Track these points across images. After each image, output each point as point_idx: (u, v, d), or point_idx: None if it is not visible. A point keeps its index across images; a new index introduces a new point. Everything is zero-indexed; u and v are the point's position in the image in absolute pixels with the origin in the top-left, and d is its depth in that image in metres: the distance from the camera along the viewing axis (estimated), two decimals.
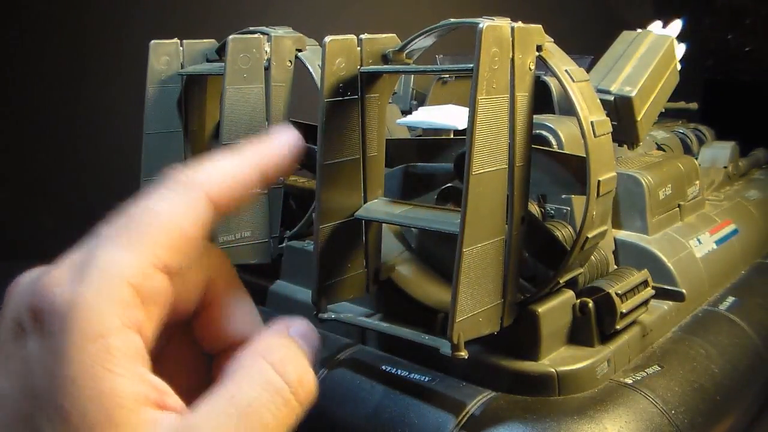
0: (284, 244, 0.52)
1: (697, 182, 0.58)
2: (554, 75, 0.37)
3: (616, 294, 0.41)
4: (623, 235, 0.50)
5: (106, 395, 0.20)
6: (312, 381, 0.24)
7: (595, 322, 0.41)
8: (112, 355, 0.20)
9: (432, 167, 0.46)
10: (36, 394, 0.20)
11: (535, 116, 0.37)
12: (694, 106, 0.82)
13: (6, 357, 0.21)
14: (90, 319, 0.20)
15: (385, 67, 0.41)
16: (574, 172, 0.39)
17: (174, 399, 0.22)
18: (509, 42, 0.35)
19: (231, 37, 0.48)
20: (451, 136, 0.48)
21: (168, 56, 0.54)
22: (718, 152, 0.73)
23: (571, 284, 0.42)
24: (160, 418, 0.21)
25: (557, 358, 0.40)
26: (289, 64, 0.50)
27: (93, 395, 0.20)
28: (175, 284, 0.23)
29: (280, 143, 0.26)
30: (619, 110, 0.51)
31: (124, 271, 0.21)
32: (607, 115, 0.38)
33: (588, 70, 0.49)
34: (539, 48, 0.37)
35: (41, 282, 0.21)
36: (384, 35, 0.41)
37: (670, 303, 0.47)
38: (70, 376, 0.20)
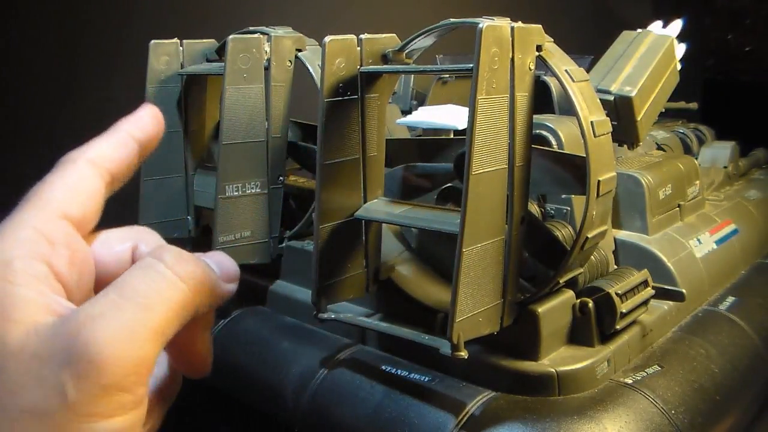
0: (284, 244, 0.52)
1: (697, 182, 0.58)
2: (554, 75, 0.37)
3: (616, 294, 0.41)
4: (623, 235, 0.50)
5: (5, 298, 0.23)
6: (198, 266, 0.26)
7: (595, 322, 0.41)
8: (15, 272, 0.23)
9: (432, 167, 0.46)
10: None
11: (535, 116, 0.37)
12: (694, 106, 0.82)
13: None
14: None
15: (385, 67, 0.41)
16: (574, 172, 0.39)
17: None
18: (509, 42, 0.34)
19: (231, 37, 0.48)
20: (451, 136, 0.48)
21: (168, 56, 0.54)
22: (718, 152, 0.73)
23: (571, 284, 0.42)
24: (51, 320, 0.23)
25: (557, 358, 0.40)
26: (289, 64, 0.50)
27: None
28: (104, 252, 0.28)
29: (143, 113, 0.31)
30: (619, 110, 0.51)
31: (25, 220, 0.25)
32: (607, 115, 0.38)
33: (588, 70, 0.49)
34: (539, 48, 0.37)
35: None
36: (384, 35, 0.41)
37: (670, 303, 0.47)
38: None
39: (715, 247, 0.55)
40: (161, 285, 0.24)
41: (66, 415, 0.22)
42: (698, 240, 0.54)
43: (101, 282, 0.27)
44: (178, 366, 0.28)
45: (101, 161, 0.29)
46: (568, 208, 0.47)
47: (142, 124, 0.31)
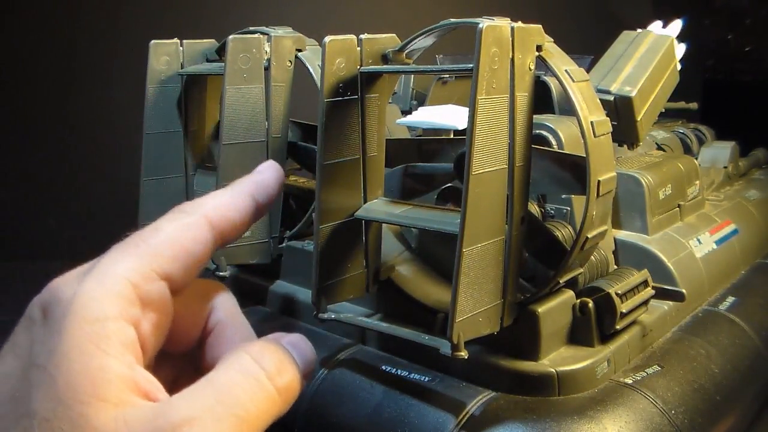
0: (284, 244, 0.52)
1: (697, 182, 0.58)
2: (554, 75, 0.37)
3: (616, 294, 0.41)
4: (623, 235, 0.50)
5: (95, 370, 0.21)
6: (294, 376, 0.25)
7: (595, 322, 0.41)
8: (107, 337, 0.22)
9: (432, 167, 0.46)
10: (31, 371, 0.21)
11: (535, 116, 0.37)
12: (694, 106, 0.82)
13: (14, 344, 0.23)
14: (89, 305, 0.22)
15: (385, 67, 0.41)
16: (574, 172, 0.39)
17: (162, 394, 0.23)
18: (509, 42, 0.34)
19: (231, 37, 0.48)
20: (451, 136, 0.48)
21: (168, 56, 0.54)
22: (718, 152, 0.73)
23: (571, 284, 0.42)
24: (142, 403, 0.22)
25: (557, 358, 0.40)
26: (289, 64, 0.50)
27: (82, 369, 0.21)
28: (181, 309, 0.26)
29: (269, 175, 0.29)
30: (619, 110, 0.51)
31: (125, 271, 0.23)
32: (607, 115, 0.38)
33: (588, 70, 0.49)
34: (539, 48, 0.37)
35: (51, 283, 0.23)
36: (384, 35, 0.41)
37: (670, 303, 0.47)
38: (64, 351, 0.21)
39: (715, 247, 0.55)
40: (260, 397, 0.24)
41: None
42: (698, 240, 0.54)
43: (171, 338, 0.26)
44: None
45: (218, 222, 0.26)
46: (568, 208, 0.47)
47: (266, 187, 0.29)
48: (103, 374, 0.21)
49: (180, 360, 0.27)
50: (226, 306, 0.28)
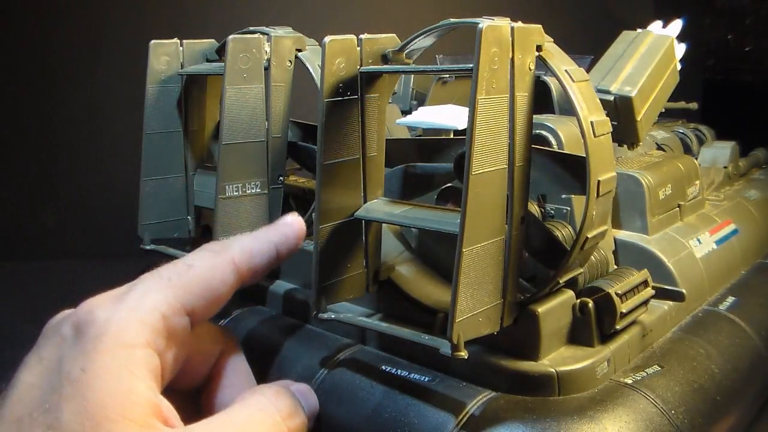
0: None
1: (697, 182, 0.58)
2: (554, 75, 0.37)
3: (616, 294, 0.41)
4: (623, 235, 0.50)
5: (124, 392, 0.23)
6: (302, 421, 0.28)
7: (595, 322, 0.41)
8: (137, 362, 0.23)
9: (432, 167, 0.46)
10: (62, 385, 0.23)
11: (535, 116, 0.37)
12: (694, 106, 0.82)
13: (41, 357, 0.24)
14: (122, 330, 0.24)
15: (385, 67, 0.41)
16: (574, 172, 0.39)
17: (178, 422, 0.24)
18: (509, 42, 0.35)
19: (231, 37, 0.48)
20: (451, 136, 0.48)
21: (168, 56, 0.54)
22: (718, 152, 0.73)
23: (571, 284, 0.42)
24: (163, 428, 0.23)
25: (557, 358, 0.40)
26: (289, 64, 0.50)
27: (113, 389, 0.22)
28: (195, 348, 0.28)
29: (293, 229, 0.32)
30: (619, 110, 0.51)
31: (157, 303, 0.25)
32: (607, 115, 0.38)
33: (588, 70, 0.49)
34: (539, 48, 0.37)
35: (84, 303, 0.25)
36: (384, 35, 0.41)
37: (670, 303, 0.47)
38: (97, 370, 0.23)
39: (715, 247, 0.55)
40: None
41: None
42: (698, 240, 0.54)
43: (181, 374, 0.28)
44: None
45: (243, 266, 0.29)
46: (568, 208, 0.47)
47: (289, 240, 0.32)
48: (131, 396, 0.23)
49: (181, 397, 0.28)
50: (236, 354, 0.30)
